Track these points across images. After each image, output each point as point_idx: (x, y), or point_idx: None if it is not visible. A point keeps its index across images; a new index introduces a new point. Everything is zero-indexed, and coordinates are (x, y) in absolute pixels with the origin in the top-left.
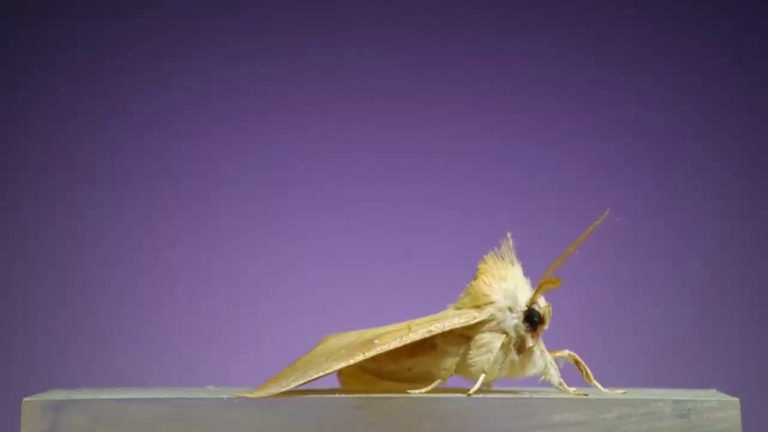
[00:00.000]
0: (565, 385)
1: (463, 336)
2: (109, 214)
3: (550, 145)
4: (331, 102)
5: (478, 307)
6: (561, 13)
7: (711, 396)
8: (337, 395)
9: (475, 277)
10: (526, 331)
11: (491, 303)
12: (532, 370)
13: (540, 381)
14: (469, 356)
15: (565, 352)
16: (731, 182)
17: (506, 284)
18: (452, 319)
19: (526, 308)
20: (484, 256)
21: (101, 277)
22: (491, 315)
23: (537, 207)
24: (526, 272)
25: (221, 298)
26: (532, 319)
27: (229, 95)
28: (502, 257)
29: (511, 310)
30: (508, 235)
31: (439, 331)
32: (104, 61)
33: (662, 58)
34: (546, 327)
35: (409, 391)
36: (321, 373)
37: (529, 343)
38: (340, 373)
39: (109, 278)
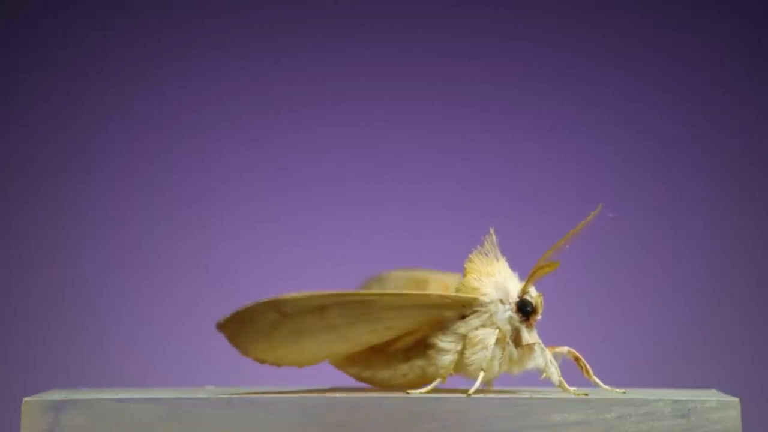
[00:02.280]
0: (566, 384)
1: (458, 334)
2: (109, 214)
3: (548, 144)
4: (331, 102)
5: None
6: (561, 13)
7: (711, 396)
8: (337, 395)
9: (463, 276)
10: (520, 322)
11: (483, 295)
12: (531, 364)
13: (541, 379)
14: (466, 355)
15: (565, 349)
16: (731, 182)
17: (495, 278)
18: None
19: (517, 299)
20: (470, 255)
21: (101, 277)
22: (483, 303)
23: (536, 206)
24: (522, 270)
25: (221, 298)
26: (525, 308)
27: (229, 95)
28: (486, 254)
29: (502, 302)
30: (491, 230)
31: (419, 292)
32: (104, 60)
33: (662, 58)
34: (539, 316)
35: (409, 391)
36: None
37: (526, 336)
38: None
39: (109, 278)
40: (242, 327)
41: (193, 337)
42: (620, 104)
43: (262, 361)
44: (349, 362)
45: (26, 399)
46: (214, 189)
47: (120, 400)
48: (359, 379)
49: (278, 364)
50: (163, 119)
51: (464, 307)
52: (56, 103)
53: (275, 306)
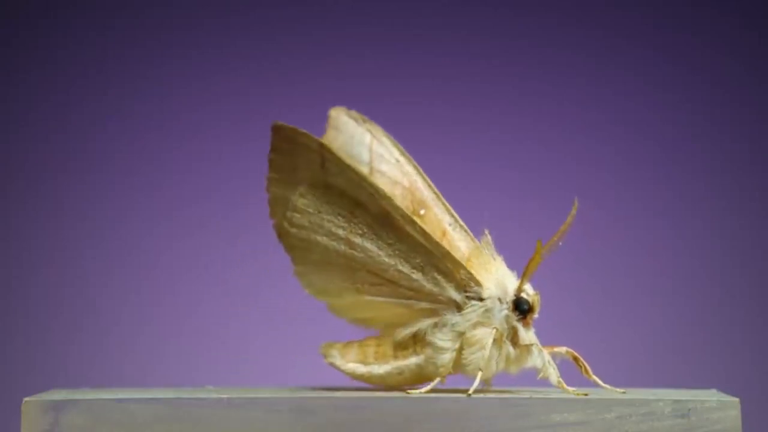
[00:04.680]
0: (564, 384)
1: (456, 332)
2: (109, 214)
3: (548, 144)
4: (331, 102)
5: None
6: (561, 13)
7: (711, 396)
8: (337, 395)
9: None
10: (517, 320)
11: (486, 289)
12: (529, 364)
13: (538, 378)
14: (464, 355)
15: (563, 349)
16: (731, 182)
17: (495, 275)
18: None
19: (514, 297)
20: (468, 254)
21: (101, 277)
22: (482, 297)
23: (536, 206)
24: (521, 269)
25: (221, 298)
26: (522, 307)
27: (229, 95)
28: (482, 253)
29: (500, 300)
30: (486, 231)
31: (444, 247)
32: (104, 61)
33: (662, 58)
34: (536, 315)
35: (409, 391)
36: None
37: (523, 335)
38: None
39: (109, 278)
40: (289, 151)
41: (193, 337)
42: (620, 104)
43: (273, 214)
44: (345, 360)
45: (26, 399)
46: (214, 189)
47: (120, 400)
48: (355, 377)
49: (286, 242)
50: (163, 119)
51: (467, 292)
52: (56, 103)
53: (322, 152)
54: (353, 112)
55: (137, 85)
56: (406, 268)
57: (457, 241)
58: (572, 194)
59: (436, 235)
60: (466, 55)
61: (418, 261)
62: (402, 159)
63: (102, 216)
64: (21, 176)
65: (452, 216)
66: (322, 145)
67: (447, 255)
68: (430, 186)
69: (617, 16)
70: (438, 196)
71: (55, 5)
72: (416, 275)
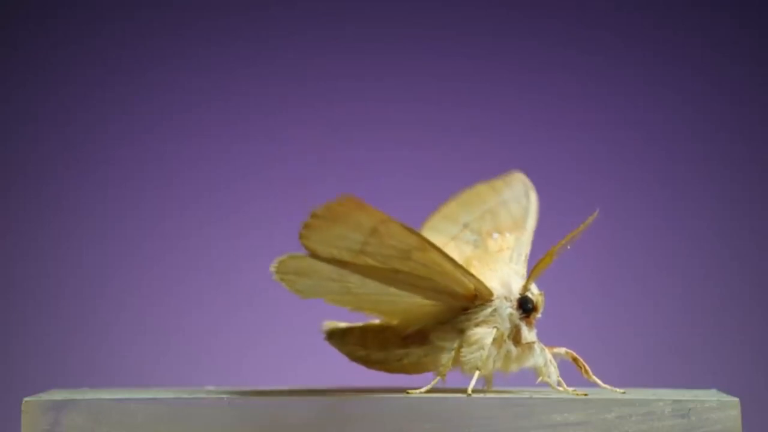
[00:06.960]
0: (564, 385)
1: (457, 330)
2: (109, 214)
3: (549, 144)
4: (330, 102)
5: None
6: (561, 13)
7: (711, 396)
8: (337, 395)
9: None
10: (520, 319)
11: (493, 290)
12: (530, 363)
13: (538, 381)
14: (462, 353)
15: (563, 350)
16: (731, 182)
17: (499, 274)
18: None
19: (519, 296)
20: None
21: (101, 277)
22: (490, 299)
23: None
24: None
25: (221, 297)
26: (526, 306)
27: (229, 95)
28: (488, 251)
29: (506, 299)
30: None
31: (463, 267)
32: (104, 60)
33: (662, 58)
34: (539, 315)
35: (409, 391)
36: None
37: (526, 334)
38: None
39: (109, 278)
40: (350, 206)
41: (193, 337)
42: (620, 104)
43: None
44: (345, 340)
45: (26, 399)
46: (214, 189)
47: (120, 400)
48: (353, 358)
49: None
50: (163, 119)
51: (476, 298)
52: (56, 103)
53: (380, 225)
54: (528, 181)
55: (137, 85)
56: (416, 297)
57: (506, 264)
58: (572, 194)
59: (489, 248)
60: (466, 55)
61: (433, 288)
62: (531, 209)
63: (102, 216)
64: (21, 176)
65: (524, 255)
66: (383, 220)
67: (472, 278)
68: (530, 236)
69: (617, 16)
70: (529, 244)
71: (55, 5)
72: (428, 298)
